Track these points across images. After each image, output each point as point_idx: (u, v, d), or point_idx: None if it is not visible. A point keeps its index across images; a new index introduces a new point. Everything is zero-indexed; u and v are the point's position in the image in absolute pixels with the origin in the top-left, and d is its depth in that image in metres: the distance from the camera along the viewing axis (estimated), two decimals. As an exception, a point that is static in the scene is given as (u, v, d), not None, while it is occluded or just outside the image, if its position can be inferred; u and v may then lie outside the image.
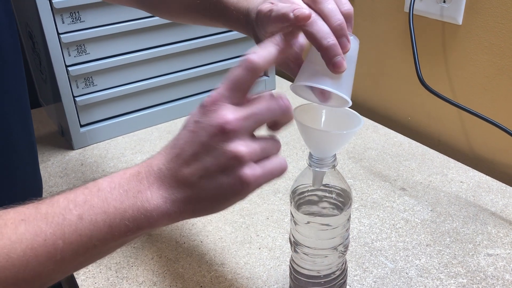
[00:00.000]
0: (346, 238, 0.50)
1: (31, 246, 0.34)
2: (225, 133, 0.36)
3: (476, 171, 0.81)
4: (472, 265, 0.62)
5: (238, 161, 0.36)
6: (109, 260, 0.65)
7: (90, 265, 0.63)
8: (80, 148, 0.94)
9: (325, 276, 0.51)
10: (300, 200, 0.49)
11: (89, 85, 0.91)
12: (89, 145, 0.95)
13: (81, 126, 0.93)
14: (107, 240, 0.37)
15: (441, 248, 0.65)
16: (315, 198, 0.49)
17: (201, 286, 0.60)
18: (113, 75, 0.93)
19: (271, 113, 0.38)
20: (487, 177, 0.80)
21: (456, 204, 0.74)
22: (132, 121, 0.98)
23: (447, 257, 0.63)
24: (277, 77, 1.19)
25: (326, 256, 0.50)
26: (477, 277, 0.60)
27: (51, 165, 0.88)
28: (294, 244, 0.51)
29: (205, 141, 0.36)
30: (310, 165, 0.47)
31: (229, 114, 0.36)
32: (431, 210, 0.72)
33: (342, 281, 0.53)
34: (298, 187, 0.49)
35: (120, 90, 0.94)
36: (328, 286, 0.52)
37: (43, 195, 0.80)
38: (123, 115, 0.98)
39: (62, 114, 0.91)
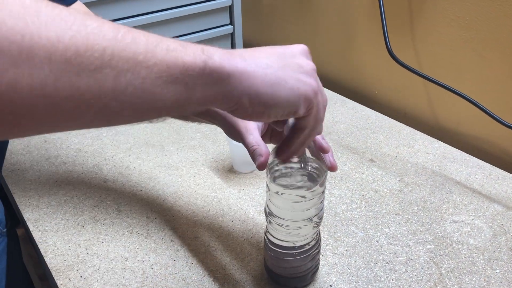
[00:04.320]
0: (321, 210, 0.51)
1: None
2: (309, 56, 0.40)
3: (441, 142, 0.84)
4: (439, 232, 0.64)
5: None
6: (78, 237, 0.63)
7: (59, 242, 0.62)
8: (42, 125, 0.90)
9: (300, 247, 0.51)
10: (276, 172, 0.49)
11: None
12: (52, 121, 0.91)
13: (43, 101, 0.90)
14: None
15: (409, 217, 0.66)
16: (290, 170, 0.49)
17: (174, 260, 0.59)
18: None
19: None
20: (452, 147, 0.82)
21: (423, 174, 0.75)
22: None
23: (415, 225, 0.65)
24: (244, 51, 1.18)
25: (300, 228, 0.50)
26: (444, 243, 0.62)
27: (12, 143, 0.85)
28: (269, 216, 0.51)
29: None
30: None
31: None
32: (399, 181, 0.74)
33: (316, 251, 0.53)
34: (274, 160, 0.49)
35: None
36: (302, 257, 0.52)
37: (3, 174, 0.77)
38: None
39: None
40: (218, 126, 0.51)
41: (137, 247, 0.62)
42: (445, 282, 0.56)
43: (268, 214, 0.51)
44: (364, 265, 0.58)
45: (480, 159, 0.79)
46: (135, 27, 0.99)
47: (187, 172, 0.76)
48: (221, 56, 0.33)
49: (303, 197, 0.48)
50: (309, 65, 0.40)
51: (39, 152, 0.82)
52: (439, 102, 0.88)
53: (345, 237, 0.63)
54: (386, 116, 0.92)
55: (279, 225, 0.50)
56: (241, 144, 0.66)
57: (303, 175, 0.48)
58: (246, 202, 0.70)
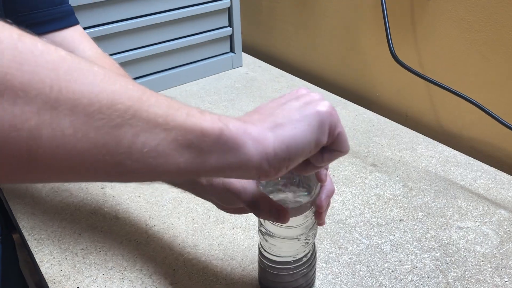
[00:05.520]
0: (311, 228, 0.48)
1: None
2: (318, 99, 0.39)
3: (445, 146, 0.82)
4: (445, 239, 0.62)
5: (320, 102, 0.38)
6: (75, 246, 0.62)
7: (55, 251, 0.60)
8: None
9: (288, 262, 0.49)
10: (266, 188, 0.47)
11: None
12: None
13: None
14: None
15: (414, 223, 0.65)
16: (281, 185, 0.47)
17: (174, 270, 0.58)
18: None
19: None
20: (455, 151, 0.81)
21: (427, 178, 0.74)
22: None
23: (420, 231, 0.64)
24: (243, 54, 1.17)
25: (289, 243, 0.48)
26: (450, 250, 0.60)
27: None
28: (261, 226, 0.49)
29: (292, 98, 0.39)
30: None
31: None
32: (403, 185, 0.73)
33: (306, 270, 0.51)
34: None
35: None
36: (290, 273, 0.50)
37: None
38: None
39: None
40: (211, 200, 0.50)
41: (136, 255, 0.60)
42: (452, 291, 0.55)
43: (260, 224, 0.49)
44: (368, 274, 0.57)
45: (485, 163, 0.78)
46: (133, 29, 0.96)
47: (186, 178, 0.75)
48: (236, 125, 0.34)
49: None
50: (312, 95, 0.39)
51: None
52: (442, 105, 0.87)
53: (349, 245, 0.62)
54: (388, 119, 0.91)
55: (269, 237, 0.48)
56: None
57: (295, 187, 0.47)
58: (247, 208, 0.68)
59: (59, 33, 0.58)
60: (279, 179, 0.47)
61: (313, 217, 0.47)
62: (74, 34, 0.60)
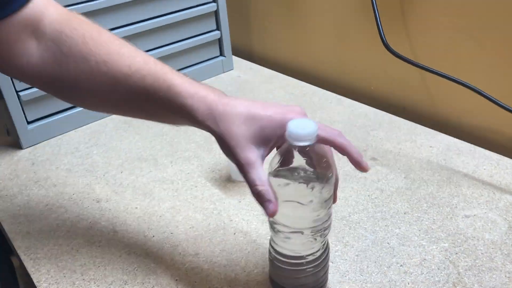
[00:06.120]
0: (325, 221, 0.46)
1: None
2: None
3: (444, 135, 0.81)
4: (452, 228, 0.61)
5: None
6: (72, 262, 0.60)
7: (52, 270, 0.58)
8: (29, 147, 0.87)
9: (303, 257, 0.48)
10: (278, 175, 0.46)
11: (33, 77, 0.84)
12: (39, 142, 0.88)
13: (28, 123, 0.86)
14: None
15: (419, 215, 0.63)
16: (294, 174, 0.46)
17: (176, 280, 0.56)
18: (58, 65, 0.86)
19: None
20: (455, 139, 0.79)
21: (429, 169, 0.72)
22: (85, 113, 0.92)
23: (426, 222, 0.62)
24: (234, 57, 1.15)
25: (295, 235, 0.46)
26: (458, 240, 0.59)
27: (-1, 168, 0.81)
28: (272, 223, 0.48)
29: None
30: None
31: None
32: (405, 177, 0.71)
33: (314, 268, 0.49)
34: (275, 161, 0.46)
35: (68, 81, 0.87)
36: (311, 266, 0.49)
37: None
38: (74, 107, 0.91)
39: (5, 112, 0.84)
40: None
41: (136, 268, 0.58)
42: (464, 282, 0.53)
43: (270, 222, 0.48)
44: (377, 270, 0.55)
45: (486, 149, 0.76)
46: (122, 38, 0.94)
47: (183, 185, 0.73)
48: None
49: (310, 201, 0.44)
50: None
51: (27, 175, 0.79)
52: (439, 93, 0.86)
53: (354, 242, 0.60)
54: (384, 112, 0.90)
55: (277, 229, 0.47)
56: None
57: (307, 177, 0.45)
58: (247, 212, 0.66)
59: (26, 9, 0.49)
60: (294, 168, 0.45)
61: (320, 214, 0.46)
62: (39, 2, 0.51)
